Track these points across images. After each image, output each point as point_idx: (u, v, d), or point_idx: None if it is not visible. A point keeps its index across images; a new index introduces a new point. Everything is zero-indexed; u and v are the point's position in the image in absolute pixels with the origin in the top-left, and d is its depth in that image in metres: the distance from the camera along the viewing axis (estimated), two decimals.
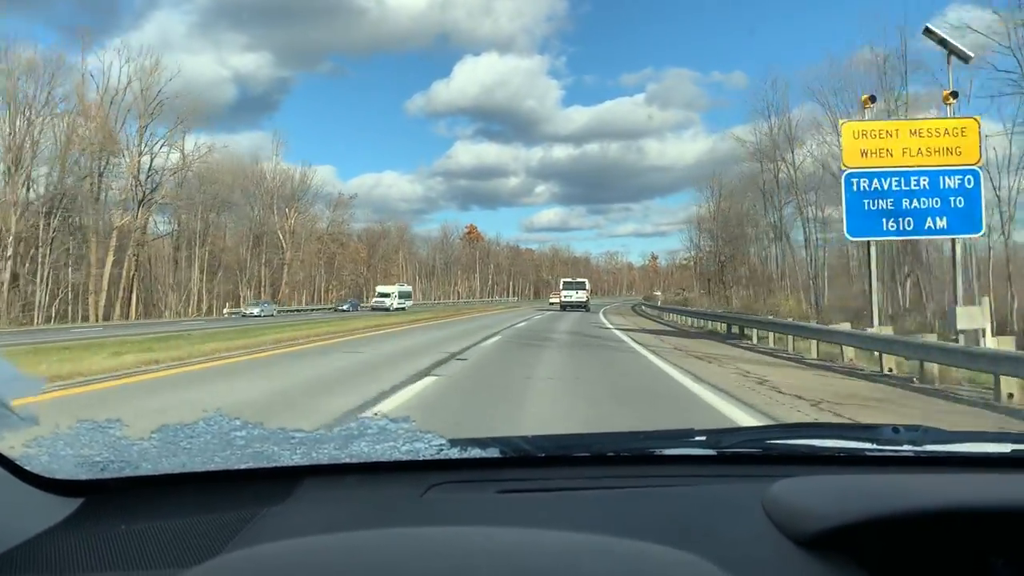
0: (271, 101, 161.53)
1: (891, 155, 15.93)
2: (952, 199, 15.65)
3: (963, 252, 15.82)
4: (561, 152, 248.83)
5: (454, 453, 1.41)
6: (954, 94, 15.98)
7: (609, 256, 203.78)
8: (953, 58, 16.08)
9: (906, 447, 1.54)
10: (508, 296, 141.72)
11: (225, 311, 60.00)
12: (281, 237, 79.89)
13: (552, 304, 65.75)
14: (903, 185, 15.81)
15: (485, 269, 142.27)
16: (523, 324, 29.50)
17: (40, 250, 51.40)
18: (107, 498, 1.24)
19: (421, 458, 1.40)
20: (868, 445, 1.59)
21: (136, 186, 61.59)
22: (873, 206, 15.86)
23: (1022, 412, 8.16)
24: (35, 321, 49.43)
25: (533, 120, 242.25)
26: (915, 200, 15.76)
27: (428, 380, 9.72)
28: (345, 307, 69.73)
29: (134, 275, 60.67)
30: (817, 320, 26.48)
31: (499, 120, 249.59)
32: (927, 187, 15.73)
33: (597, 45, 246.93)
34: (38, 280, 51.01)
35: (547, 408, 7.74)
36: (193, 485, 1.31)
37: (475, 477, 1.42)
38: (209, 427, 1.45)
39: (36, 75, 52.59)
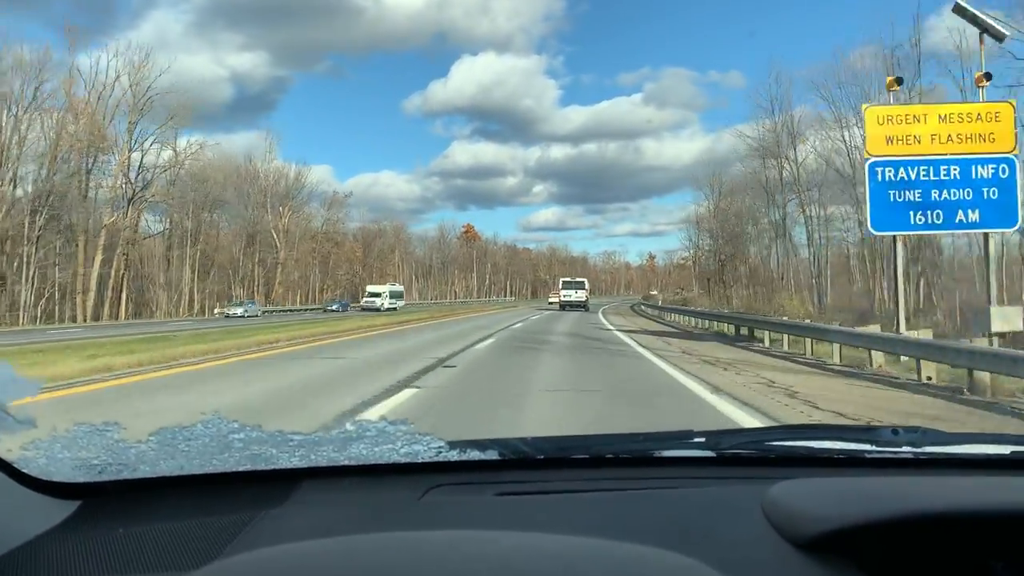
0: (268, 101, 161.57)
1: (918, 142, 14.64)
2: (985, 190, 14.36)
3: (997, 248, 14.47)
4: (559, 152, 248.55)
5: (453, 455, 1.40)
6: (987, 75, 14.69)
7: (607, 256, 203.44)
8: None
9: (905, 449, 1.52)
10: (505, 296, 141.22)
11: (216, 311, 58.46)
12: (275, 236, 78.74)
13: (551, 304, 65.04)
14: (932, 175, 14.51)
15: (482, 269, 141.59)
16: (519, 325, 28.15)
17: (26, 248, 50.17)
18: (105, 501, 1.24)
19: (420, 460, 1.39)
20: (867, 447, 1.56)
21: (126, 184, 60.44)
22: (899, 198, 14.56)
23: None
24: (21, 321, 48.40)
25: (530, 120, 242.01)
26: (945, 191, 14.48)
27: (405, 394, 8.40)
28: (334, 307, 67.92)
29: (124, 274, 59.52)
30: (821, 320, 25.49)
31: (496, 120, 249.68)
32: (958, 177, 14.44)
33: (594, 45, 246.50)
34: (23, 279, 49.80)
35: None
36: (191, 488, 1.31)
37: (474, 479, 1.41)
38: (207, 429, 1.44)
39: (23, 72, 51.26)
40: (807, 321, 17.10)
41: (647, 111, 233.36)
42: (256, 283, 76.51)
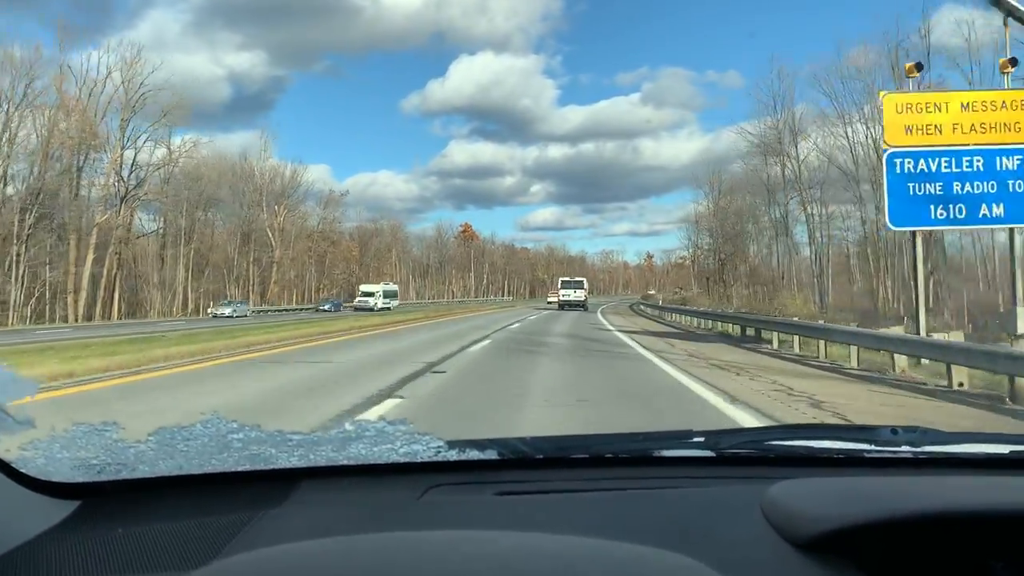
0: (266, 100, 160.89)
1: (940, 132, 13.80)
2: (1011, 183, 13.54)
3: (1023, 244, 13.61)
4: (556, 151, 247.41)
5: (452, 455, 1.40)
6: (1012, 61, 13.81)
7: (605, 255, 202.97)
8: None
9: (904, 448, 1.52)
10: (503, 295, 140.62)
11: (209, 311, 57.36)
12: (270, 235, 77.96)
13: (550, 303, 64.39)
14: (954, 166, 13.68)
15: (480, 268, 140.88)
16: (516, 325, 27.25)
17: (16, 247, 49.29)
18: (103, 501, 1.24)
19: (419, 460, 1.39)
20: (866, 446, 1.56)
21: (118, 182, 59.56)
22: (919, 191, 13.71)
23: None
24: (10, 321, 47.66)
25: (528, 119, 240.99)
26: (968, 184, 13.64)
27: (385, 407, 7.50)
28: (327, 307, 66.49)
29: (116, 274, 58.61)
30: (824, 320, 24.52)
31: (494, 119, 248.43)
32: (981, 169, 13.61)
33: (592, 44, 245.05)
34: (13, 279, 48.96)
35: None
36: (190, 487, 1.31)
37: (473, 479, 1.41)
38: (206, 429, 1.44)
39: (14, 69, 50.33)
40: (820, 322, 16.19)
41: (645, 111, 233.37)
42: (251, 282, 75.76)
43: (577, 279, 60.80)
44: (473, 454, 1.41)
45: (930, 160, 13.69)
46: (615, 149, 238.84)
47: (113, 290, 58.41)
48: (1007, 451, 1.54)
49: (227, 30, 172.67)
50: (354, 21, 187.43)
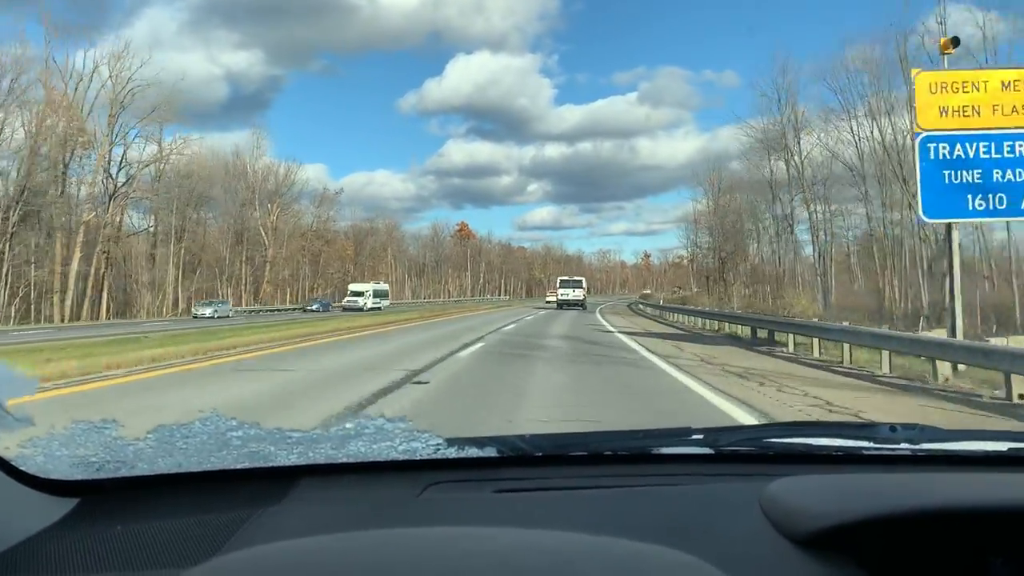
0: (263, 99, 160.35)
1: (978, 114, 12.49)
2: None
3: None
4: (553, 151, 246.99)
5: (451, 453, 1.39)
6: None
7: (602, 254, 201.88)
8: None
9: (903, 445, 1.52)
10: (500, 295, 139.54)
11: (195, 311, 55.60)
12: (263, 233, 76.57)
13: (549, 302, 63.48)
14: (994, 152, 12.39)
15: (476, 267, 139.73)
16: (512, 327, 25.87)
17: (0, 245, 47.92)
18: (103, 499, 1.24)
19: (418, 458, 1.39)
20: (865, 444, 1.56)
21: (107, 179, 58.14)
22: (956, 179, 12.40)
23: None
24: None
25: (525, 118, 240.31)
26: (1009, 171, 12.33)
27: None
28: (314, 307, 64.56)
29: (104, 273, 57.15)
30: (828, 320, 23.18)
31: (491, 118, 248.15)
32: None
33: (589, 43, 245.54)
34: None
35: None
36: (189, 485, 1.30)
37: (472, 476, 1.41)
38: (205, 427, 1.43)
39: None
40: (845, 323, 14.84)
41: (642, 110, 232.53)
42: (244, 281, 74.43)
43: (576, 278, 59.99)
44: (472, 452, 1.40)
45: (967, 145, 12.38)
46: (612, 148, 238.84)
47: (101, 290, 57.07)
48: (1006, 449, 1.52)
49: (224, 29, 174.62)
50: (351, 20, 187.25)
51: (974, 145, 12.38)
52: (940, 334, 12.00)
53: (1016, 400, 8.41)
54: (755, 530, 1.06)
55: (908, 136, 38.73)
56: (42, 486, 1.18)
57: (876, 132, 40.65)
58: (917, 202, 12.71)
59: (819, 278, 47.33)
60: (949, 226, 12.86)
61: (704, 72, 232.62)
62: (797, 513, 1.04)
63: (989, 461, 1.52)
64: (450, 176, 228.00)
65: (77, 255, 53.55)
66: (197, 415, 1.43)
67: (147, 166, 61.11)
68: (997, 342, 9.90)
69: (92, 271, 55.18)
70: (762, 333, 19.15)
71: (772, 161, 48.48)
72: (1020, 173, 12.27)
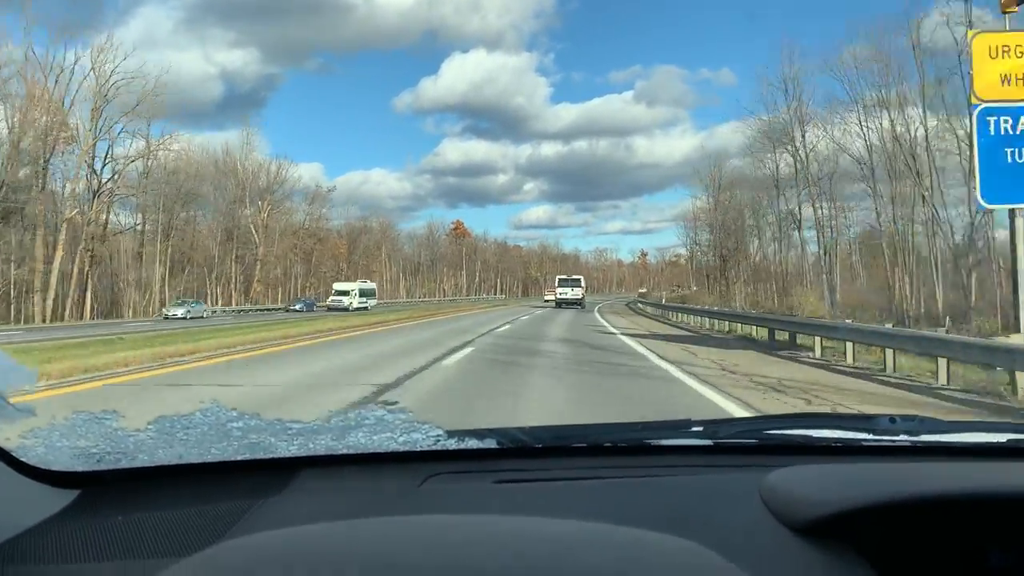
0: (258, 98, 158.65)
1: None
2: None
3: None
4: (550, 149, 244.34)
5: (451, 444, 1.40)
6: None
7: (598, 253, 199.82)
8: None
9: (902, 437, 1.51)
10: (496, 294, 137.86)
11: (162, 311, 52.85)
12: (253, 231, 74.75)
13: (547, 301, 62.21)
14: None
15: (472, 266, 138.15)
16: (506, 328, 24.05)
17: None
18: (103, 490, 1.23)
19: (418, 449, 1.39)
20: (865, 435, 1.55)
21: (91, 176, 56.25)
22: (1020, 157, 10.64)
23: None
24: None
25: (521, 117, 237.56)
26: None
27: None
28: (298, 307, 61.89)
29: (89, 272, 55.29)
30: (838, 318, 21.46)
31: (487, 117, 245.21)
32: None
33: (585, 42, 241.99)
34: None
35: None
36: (190, 476, 1.30)
37: (472, 468, 1.40)
38: (206, 418, 1.44)
39: None
40: (888, 326, 13.07)
41: (638, 109, 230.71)
42: (234, 280, 72.68)
43: (574, 277, 58.88)
44: (472, 443, 1.41)
45: None
46: (608, 147, 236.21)
47: (85, 289, 55.28)
48: (1005, 440, 1.51)
49: (219, 27, 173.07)
50: (346, 19, 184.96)
51: None
52: (1007, 338, 10.23)
53: None
54: (755, 519, 1.05)
55: (920, 127, 37.47)
56: (43, 477, 1.18)
57: (886, 124, 38.87)
58: (975, 184, 10.95)
59: (825, 276, 45.72)
60: (1012, 213, 11.09)
61: (700, 70, 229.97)
62: (797, 501, 1.04)
63: (988, 452, 1.50)
64: (446, 175, 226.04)
65: (60, 253, 51.78)
66: None
67: (132, 162, 59.20)
68: None
69: (75, 270, 53.41)
70: (781, 336, 17.43)
71: (777, 155, 46.68)
72: None
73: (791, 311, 34.70)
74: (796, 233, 48.48)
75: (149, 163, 60.76)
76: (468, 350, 14.69)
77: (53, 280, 51.01)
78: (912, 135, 36.69)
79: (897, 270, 40.23)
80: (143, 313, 57.52)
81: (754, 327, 20.10)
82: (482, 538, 0.83)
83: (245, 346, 15.98)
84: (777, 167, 47.03)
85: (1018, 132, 10.64)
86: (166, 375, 10.69)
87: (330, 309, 59.87)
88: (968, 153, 31.64)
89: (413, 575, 0.73)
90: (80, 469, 1.23)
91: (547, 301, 62.66)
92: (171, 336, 20.89)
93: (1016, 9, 11.27)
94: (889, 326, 12.87)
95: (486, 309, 50.87)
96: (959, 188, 33.68)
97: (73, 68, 53.51)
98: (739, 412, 7.23)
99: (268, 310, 63.36)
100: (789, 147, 45.45)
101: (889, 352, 11.62)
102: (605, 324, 27.40)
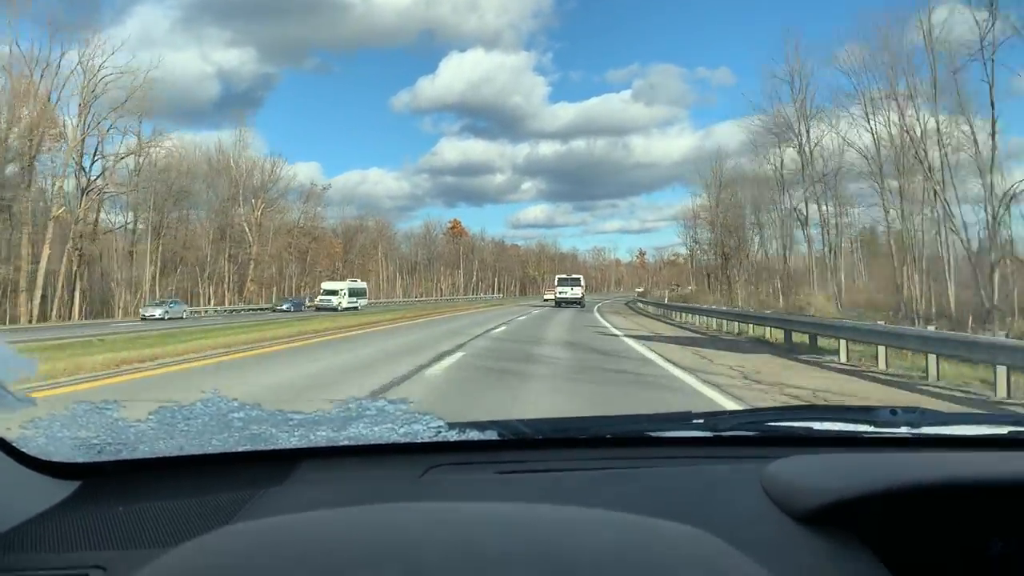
0: (255, 97, 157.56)
1: None
2: None
3: None
4: (547, 148, 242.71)
5: (452, 435, 1.39)
6: None
7: (596, 252, 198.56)
8: None
9: (904, 429, 1.50)
10: (493, 293, 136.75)
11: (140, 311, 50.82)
12: (247, 230, 73.41)
13: (547, 300, 61.21)
14: None
15: (469, 265, 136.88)
16: (502, 329, 22.66)
17: None
18: (104, 481, 1.23)
19: (419, 440, 1.39)
20: (866, 427, 1.56)
21: (79, 173, 54.89)
22: None
23: None
24: None
25: (519, 116, 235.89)
26: None
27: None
28: (285, 307, 59.80)
29: (77, 271, 54.02)
30: (850, 318, 20.21)
31: (485, 116, 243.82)
32: None
33: (583, 41, 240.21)
34: None
35: None
36: (190, 468, 1.31)
37: (474, 459, 1.41)
38: (207, 408, 1.44)
39: None
40: (930, 328, 11.74)
41: (636, 108, 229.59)
42: (228, 280, 71.47)
43: (574, 276, 57.81)
44: (473, 434, 1.40)
45: None
46: (606, 146, 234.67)
47: (73, 288, 53.99)
48: (1006, 431, 1.52)
49: (216, 26, 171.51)
50: (344, 17, 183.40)
51: None
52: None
53: None
54: (756, 508, 1.06)
55: (930, 120, 36.15)
56: (44, 468, 1.18)
57: (895, 118, 37.54)
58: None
59: (830, 274, 44.48)
60: None
61: (698, 69, 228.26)
62: (798, 490, 1.03)
63: (990, 443, 1.50)
64: (443, 174, 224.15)
65: (46, 252, 50.55)
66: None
67: (122, 159, 57.96)
68: None
69: (62, 269, 52.12)
70: (798, 338, 16.13)
71: (780, 151, 45.42)
72: None
73: (800, 311, 33.51)
74: (800, 231, 47.39)
75: (141, 160, 59.59)
76: (459, 355, 13.34)
77: (40, 279, 49.81)
78: (923, 127, 35.39)
79: (906, 268, 38.95)
80: (134, 313, 56.03)
81: (768, 328, 18.76)
82: (483, 521, 0.83)
83: (213, 351, 14.63)
84: (782, 162, 45.72)
85: None
86: (108, 387, 9.35)
87: (318, 309, 58.31)
88: (975, 147, 30.67)
89: (415, 557, 0.71)
90: (81, 460, 1.23)
91: (546, 300, 61.75)
92: (136, 339, 19.49)
93: None
94: (931, 328, 11.57)
95: (483, 309, 49.56)
96: (969, 184, 32.59)
97: (59, 62, 52.22)
98: None
99: (254, 310, 61.58)
100: (794, 143, 44.16)
101: (933, 358, 10.29)
102: (607, 325, 26.05)
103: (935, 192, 34.35)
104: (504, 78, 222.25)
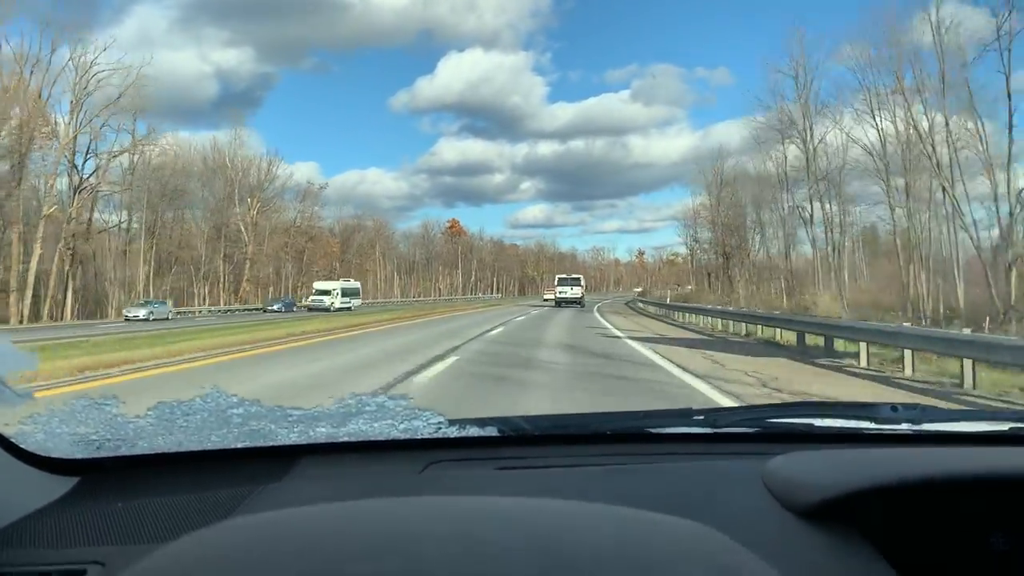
0: (254, 97, 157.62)
1: None
2: None
3: None
4: (546, 148, 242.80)
5: (452, 431, 1.40)
6: None
7: (595, 252, 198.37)
8: None
9: (904, 426, 1.50)
10: (492, 293, 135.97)
11: (123, 312, 49.64)
12: (242, 229, 72.57)
13: (547, 300, 60.57)
14: None
15: (468, 265, 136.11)
16: (498, 331, 21.65)
17: None
18: (103, 477, 1.23)
19: (419, 436, 1.38)
20: (867, 424, 1.54)
21: (71, 171, 53.97)
22: None
23: None
24: None
25: (518, 116, 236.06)
26: None
27: None
28: (276, 307, 58.62)
29: (69, 270, 53.15)
30: (857, 319, 19.28)
31: (484, 116, 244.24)
32: None
33: (582, 41, 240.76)
34: None
35: None
36: (189, 464, 1.30)
37: (474, 455, 1.40)
38: (206, 404, 1.43)
39: None
40: (966, 331, 10.81)
41: (635, 108, 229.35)
42: (223, 280, 70.59)
43: (574, 276, 57.31)
44: (473, 431, 1.40)
45: None
46: (605, 146, 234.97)
47: (66, 288, 53.14)
48: (1007, 428, 1.51)
49: (214, 26, 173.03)
50: (342, 17, 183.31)
51: None
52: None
53: None
54: (757, 503, 1.05)
55: (938, 116, 35.31)
56: (42, 464, 1.17)
57: (901, 113, 36.66)
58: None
59: (833, 273, 43.65)
60: None
61: (697, 69, 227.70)
62: (799, 486, 1.03)
63: (990, 440, 1.49)
64: (442, 174, 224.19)
65: (38, 251, 49.68)
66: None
67: (115, 157, 57.05)
68: None
69: (54, 268, 51.27)
70: (811, 340, 15.24)
71: (785, 146, 44.59)
72: None
73: (805, 310, 32.66)
74: (802, 230, 46.59)
75: (135, 159, 58.71)
76: (452, 359, 12.44)
77: (30, 279, 49.09)
78: (931, 121, 34.50)
79: (912, 267, 38.07)
80: None
81: (778, 330, 17.86)
82: (483, 514, 0.82)
83: (187, 355, 13.70)
84: (786, 158, 44.90)
85: None
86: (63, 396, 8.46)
87: (310, 309, 57.18)
88: (984, 144, 29.88)
89: (415, 550, 0.71)
90: (79, 456, 1.23)
91: (546, 300, 61.09)
92: (105, 343, 18.53)
93: None
94: (967, 331, 10.64)
95: (481, 309, 48.70)
96: (977, 181, 31.77)
97: (50, 59, 51.33)
98: None
99: (244, 311, 60.48)
100: (797, 140, 43.29)
101: (969, 363, 9.40)
102: (608, 326, 25.14)
103: (944, 188, 33.45)
104: (503, 78, 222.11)
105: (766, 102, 46.17)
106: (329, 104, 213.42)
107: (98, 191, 56.86)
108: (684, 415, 1.62)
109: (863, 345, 12.34)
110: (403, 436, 1.36)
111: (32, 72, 51.17)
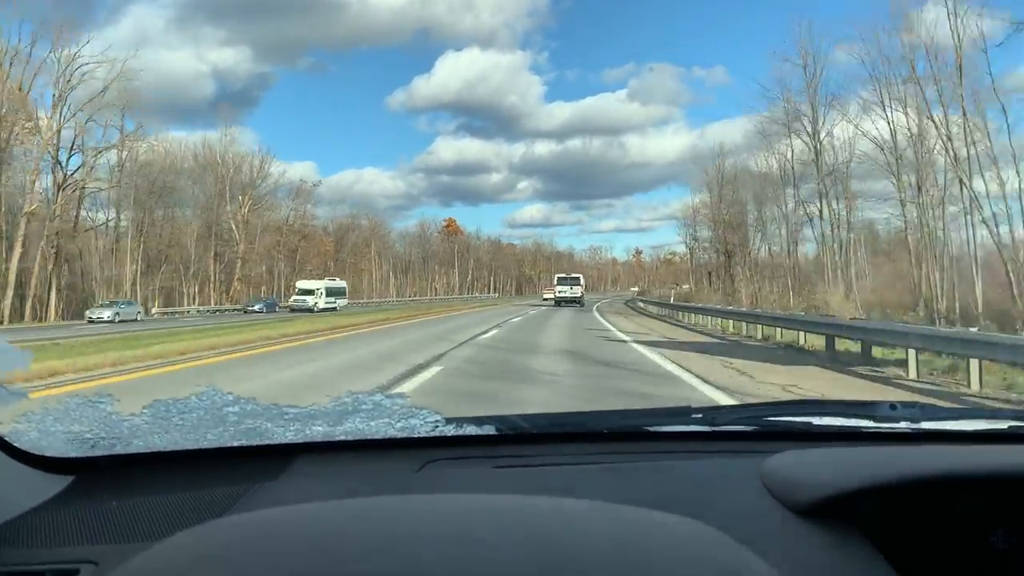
0: (251, 97, 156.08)
1: None
2: None
3: None
4: (543, 148, 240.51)
5: (449, 430, 1.39)
6: None
7: (593, 251, 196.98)
8: None
9: (903, 424, 1.49)
10: (489, 292, 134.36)
11: (86, 313, 46.95)
12: (233, 227, 70.95)
13: (546, 299, 59.18)
14: None
15: (464, 264, 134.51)
16: (491, 335, 19.94)
17: None
18: (98, 475, 1.23)
19: (416, 435, 1.37)
20: (865, 422, 1.53)
21: (55, 167, 52.30)
22: None
23: None
24: None
25: (515, 116, 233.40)
26: None
27: None
28: (257, 308, 56.38)
29: (52, 269, 51.45)
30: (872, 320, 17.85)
31: (481, 116, 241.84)
32: None
33: (579, 40, 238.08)
34: None
35: None
36: (185, 463, 1.30)
37: (471, 454, 1.39)
38: (201, 402, 1.42)
39: None
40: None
41: (632, 107, 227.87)
42: (214, 279, 68.96)
43: (573, 275, 56.39)
44: (471, 429, 1.39)
45: None
46: (602, 145, 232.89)
47: (49, 288, 51.44)
48: (1006, 427, 1.50)
49: (210, 26, 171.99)
50: (339, 16, 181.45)
51: None
52: None
53: None
54: (756, 501, 1.05)
55: (951, 109, 33.79)
56: (36, 463, 1.17)
57: (916, 106, 35.05)
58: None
59: (840, 271, 42.14)
60: None
61: (694, 68, 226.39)
62: (798, 484, 1.03)
63: (989, 438, 1.49)
64: (439, 173, 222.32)
65: (18, 250, 48.02)
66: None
67: (99, 152, 55.36)
68: None
69: (36, 267, 49.61)
70: (842, 345, 13.59)
71: (791, 139, 43.05)
72: None
73: (816, 310, 31.18)
74: (808, 227, 45.15)
75: (123, 156, 57.05)
76: (435, 370, 10.73)
77: (11, 278, 47.38)
78: (946, 111, 32.91)
79: (924, 265, 36.49)
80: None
81: (801, 333, 16.18)
82: (480, 512, 0.82)
83: (144, 362, 12.05)
84: (792, 152, 43.34)
85: None
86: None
87: (293, 310, 55.09)
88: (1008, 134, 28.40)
89: (413, 548, 0.70)
90: (74, 455, 1.22)
91: (546, 299, 59.75)
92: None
93: None
94: None
95: (477, 309, 47.18)
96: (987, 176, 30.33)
97: (31, 51, 49.55)
98: None
99: (231, 311, 58.42)
100: (804, 135, 41.75)
101: None
102: (610, 328, 23.47)
103: (961, 181, 31.88)
104: (500, 77, 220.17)
105: (772, 93, 44.65)
106: (326, 103, 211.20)
107: (84, 188, 55.18)
108: (682, 413, 1.57)
109: (911, 352, 10.68)
110: (400, 434, 1.35)
111: (11, 64, 49.48)
